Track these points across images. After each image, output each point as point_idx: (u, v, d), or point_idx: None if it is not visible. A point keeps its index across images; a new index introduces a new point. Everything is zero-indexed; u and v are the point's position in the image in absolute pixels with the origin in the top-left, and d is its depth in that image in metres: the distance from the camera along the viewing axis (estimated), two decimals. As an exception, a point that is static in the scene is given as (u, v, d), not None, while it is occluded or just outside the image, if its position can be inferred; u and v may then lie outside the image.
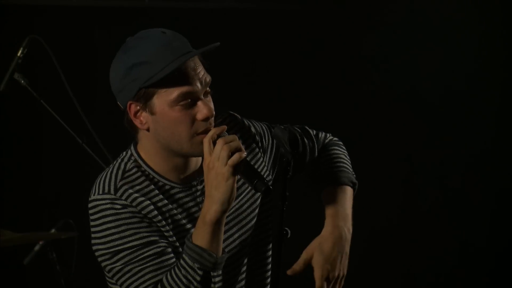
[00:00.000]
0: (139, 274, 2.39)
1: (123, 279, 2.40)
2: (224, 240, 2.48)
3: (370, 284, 4.92)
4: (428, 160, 4.89)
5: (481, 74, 4.72)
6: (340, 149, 2.77)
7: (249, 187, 2.55)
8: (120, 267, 2.40)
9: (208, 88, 2.42)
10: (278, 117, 2.84)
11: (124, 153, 2.52)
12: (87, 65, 4.60)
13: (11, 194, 4.49)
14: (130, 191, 2.42)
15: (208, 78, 2.40)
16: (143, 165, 2.48)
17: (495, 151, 4.75)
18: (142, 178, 2.46)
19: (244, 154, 2.35)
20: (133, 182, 2.45)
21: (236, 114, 2.62)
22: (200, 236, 2.36)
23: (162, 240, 2.41)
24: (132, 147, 2.51)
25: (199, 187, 2.49)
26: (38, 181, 4.61)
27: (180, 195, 2.48)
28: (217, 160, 2.33)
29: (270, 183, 2.52)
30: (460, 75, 4.76)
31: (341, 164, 2.70)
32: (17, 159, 4.54)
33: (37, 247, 3.90)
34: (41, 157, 4.60)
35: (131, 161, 2.49)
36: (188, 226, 2.46)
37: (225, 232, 2.49)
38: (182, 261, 2.36)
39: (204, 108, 2.38)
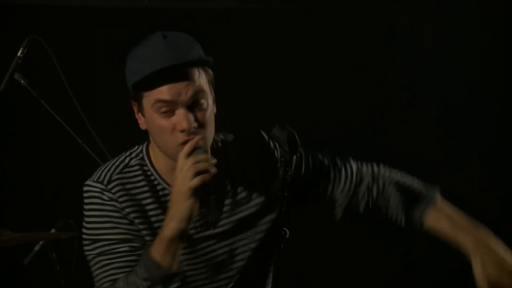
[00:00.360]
0: (106, 268, 2.44)
1: (94, 267, 2.47)
2: (226, 252, 2.52)
3: (369, 283, 4.92)
4: (428, 161, 4.89)
5: (484, 77, 4.72)
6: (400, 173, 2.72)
7: (252, 203, 2.56)
8: (93, 256, 2.46)
9: (202, 100, 2.39)
10: (278, 117, 2.83)
11: (136, 147, 2.55)
12: (87, 65, 4.60)
13: (11, 194, 4.49)
14: (122, 187, 2.46)
15: (195, 90, 2.37)
16: (148, 164, 2.51)
17: (496, 153, 4.74)
18: (140, 177, 2.48)
19: (208, 177, 2.32)
20: (129, 179, 2.48)
21: (264, 135, 2.61)
22: (155, 248, 2.37)
23: (138, 241, 2.44)
24: (145, 144, 2.54)
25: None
26: (38, 181, 4.61)
27: None
28: (182, 178, 2.32)
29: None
30: (462, 77, 4.75)
31: (415, 183, 2.66)
32: (17, 159, 4.54)
33: (37, 247, 3.90)
34: (41, 157, 4.60)
35: (138, 158, 2.52)
36: None
37: (228, 243, 2.52)
38: (137, 267, 2.39)
39: (182, 120, 2.36)
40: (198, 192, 2.32)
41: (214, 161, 2.38)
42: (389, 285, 4.98)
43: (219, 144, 2.57)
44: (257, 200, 2.57)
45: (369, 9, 4.89)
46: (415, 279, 4.99)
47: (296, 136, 2.32)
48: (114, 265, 2.43)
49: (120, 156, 2.54)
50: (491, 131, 4.74)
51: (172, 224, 2.33)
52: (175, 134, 2.37)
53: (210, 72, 2.44)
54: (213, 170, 2.34)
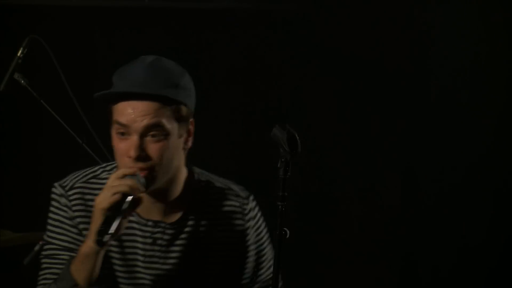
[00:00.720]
0: (45, 271, 2.49)
1: (40, 267, 2.51)
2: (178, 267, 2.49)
3: (369, 281, 4.92)
4: (428, 158, 4.89)
5: (483, 74, 4.72)
6: None
7: (209, 254, 2.54)
8: (42, 256, 2.51)
9: (159, 133, 2.38)
10: (277, 118, 2.84)
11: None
12: (87, 65, 4.60)
13: (11, 194, 4.49)
14: (80, 196, 2.49)
15: (151, 122, 2.37)
16: None
17: (495, 150, 4.74)
18: None
19: (118, 198, 2.32)
20: (92, 190, 2.50)
21: (250, 204, 2.60)
22: (74, 262, 2.39)
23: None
24: None
25: (154, 229, 2.49)
26: (38, 181, 4.60)
27: (133, 225, 2.48)
28: (101, 196, 2.35)
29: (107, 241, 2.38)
30: (461, 74, 4.75)
31: None
32: (17, 159, 4.54)
33: (37, 247, 3.89)
34: (41, 157, 4.60)
35: (111, 172, 2.52)
36: (116, 256, 2.48)
37: (185, 258, 2.50)
38: (58, 277, 2.41)
39: (131, 147, 2.38)
40: (109, 212, 2.32)
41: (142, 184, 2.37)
42: (388, 285, 4.98)
43: (202, 184, 2.57)
44: (213, 253, 2.55)
45: (369, 9, 4.89)
46: (415, 279, 4.99)
47: (296, 136, 2.32)
48: (51, 271, 2.47)
49: (95, 166, 2.57)
50: (490, 126, 4.75)
51: (87, 241, 2.36)
52: (124, 158, 2.40)
53: (183, 109, 2.43)
54: (138, 194, 2.35)
